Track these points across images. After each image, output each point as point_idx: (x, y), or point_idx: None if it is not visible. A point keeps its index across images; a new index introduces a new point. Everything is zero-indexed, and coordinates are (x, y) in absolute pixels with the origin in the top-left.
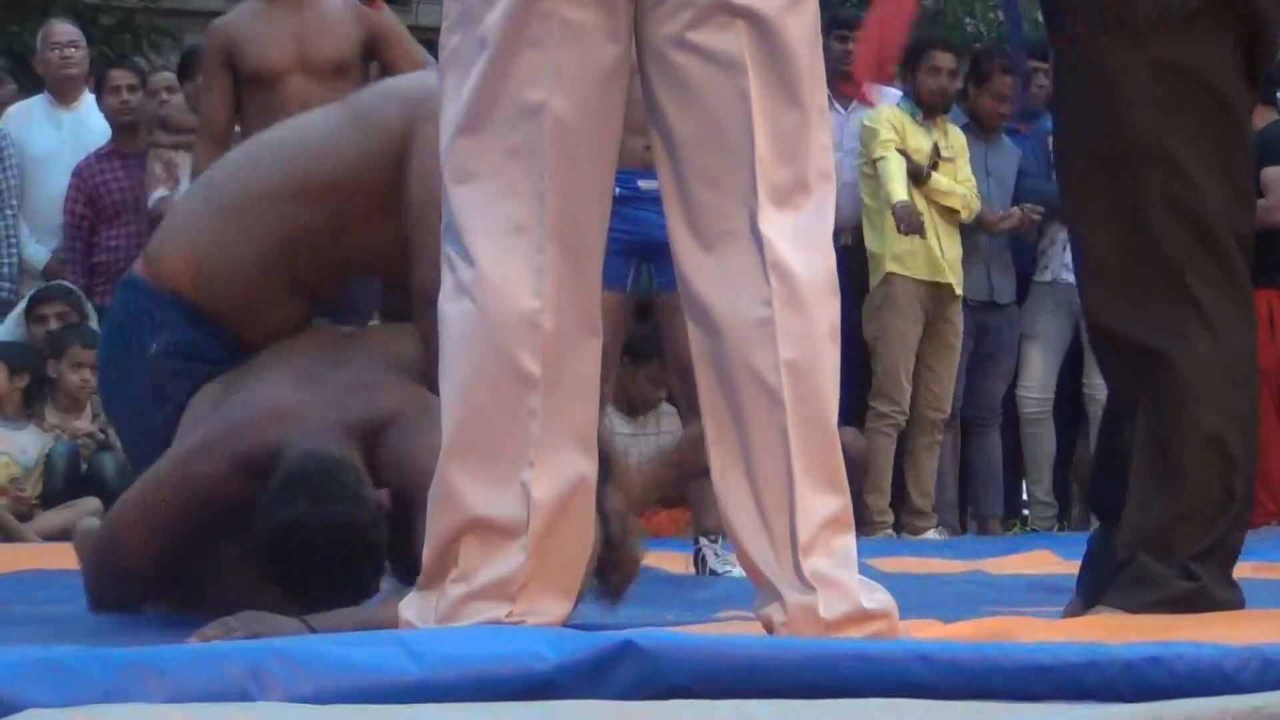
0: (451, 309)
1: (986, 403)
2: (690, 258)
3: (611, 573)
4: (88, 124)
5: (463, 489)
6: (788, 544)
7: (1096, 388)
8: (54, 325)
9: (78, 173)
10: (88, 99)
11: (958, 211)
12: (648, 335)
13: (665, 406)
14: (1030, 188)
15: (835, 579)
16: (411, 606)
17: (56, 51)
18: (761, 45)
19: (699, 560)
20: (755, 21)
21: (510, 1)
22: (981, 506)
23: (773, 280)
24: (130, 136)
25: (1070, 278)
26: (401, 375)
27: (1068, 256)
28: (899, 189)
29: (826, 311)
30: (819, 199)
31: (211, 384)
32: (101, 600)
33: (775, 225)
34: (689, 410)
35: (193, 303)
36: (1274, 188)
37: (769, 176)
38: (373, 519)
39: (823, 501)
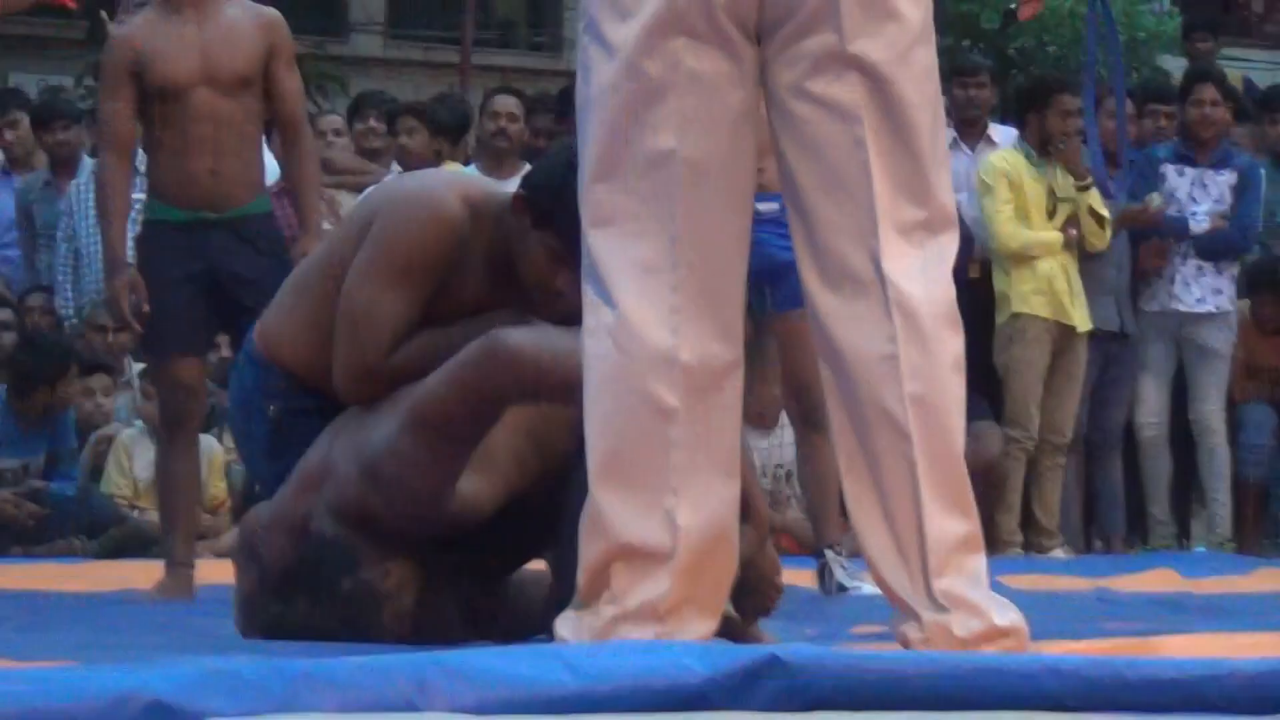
0: (593, 348)
1: (1110, 427)
2: (819, 298)
3: (749, 598)
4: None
5: (611, 516)
6: (920, 567)
7: (1204, 414)
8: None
9: None
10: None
11: (1085, 245)
12: (756, 350)
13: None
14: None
15: (968, 598)
16: (567, 624)
17: None
18: (875, 95)
19: (824, 574)
20: (868, 72)
21: (635, 51)
22: (1105, 526)
23: (896, 318)
24: None
25: (1177, 306)
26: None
27: (1175, 286)
28: (1052, 235)
29: (949, 345)
30: (941, 238)
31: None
32: None
33: (897, 265)
34: (803, 428)
35: (292, 371)
36: None
37: (889, 218)
38: (356, 602)
39: (952, 525)
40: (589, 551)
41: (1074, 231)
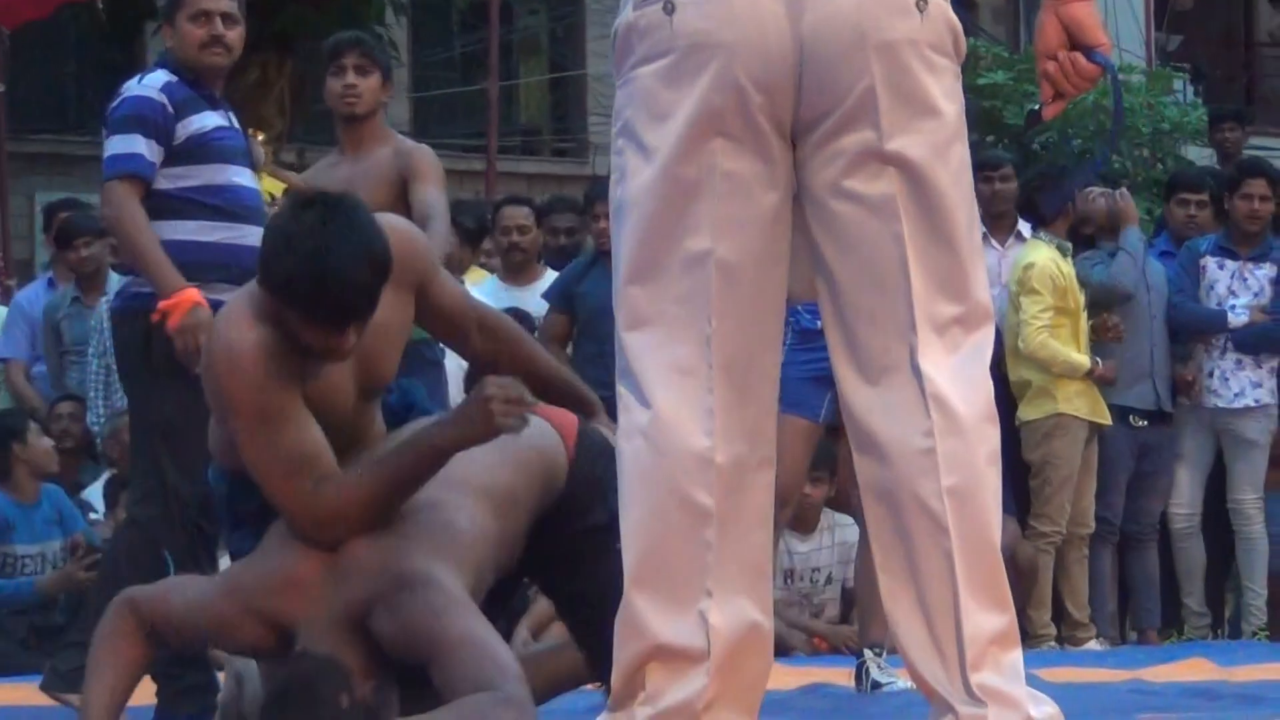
0: (627, 448)
1: (1145, 519)
2: (855, 391)
3: None
4: None
5: (646, 617)
6: (957, 662)
7: (1242, 503)
8: None
9: None
10: None
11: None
12: (825, 451)
13: (840, 517)
14: (1179, 309)
15: (1004, 692)
16: None
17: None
18: (913, 191)
19: (862, 672)
20: (905, 168)
21: (670, 155)
22: (1140, 617)
23: (933, 412)
24: None
25: (1215, 401)
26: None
27: (1214, 381)
28: (1079, 359)
29: (985, 440)
30: (976, 334)
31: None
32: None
33: (934, 360)
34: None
35: None
36: None
37: (926, 314)
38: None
39: (989, 619)
40: (623, 653)
41: (1101, 368)
